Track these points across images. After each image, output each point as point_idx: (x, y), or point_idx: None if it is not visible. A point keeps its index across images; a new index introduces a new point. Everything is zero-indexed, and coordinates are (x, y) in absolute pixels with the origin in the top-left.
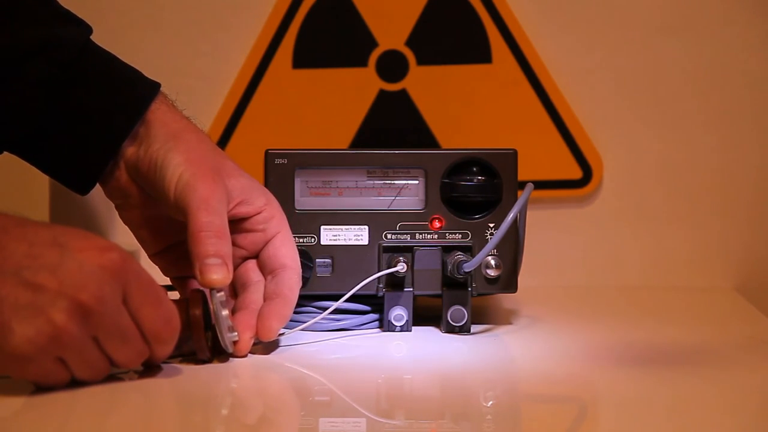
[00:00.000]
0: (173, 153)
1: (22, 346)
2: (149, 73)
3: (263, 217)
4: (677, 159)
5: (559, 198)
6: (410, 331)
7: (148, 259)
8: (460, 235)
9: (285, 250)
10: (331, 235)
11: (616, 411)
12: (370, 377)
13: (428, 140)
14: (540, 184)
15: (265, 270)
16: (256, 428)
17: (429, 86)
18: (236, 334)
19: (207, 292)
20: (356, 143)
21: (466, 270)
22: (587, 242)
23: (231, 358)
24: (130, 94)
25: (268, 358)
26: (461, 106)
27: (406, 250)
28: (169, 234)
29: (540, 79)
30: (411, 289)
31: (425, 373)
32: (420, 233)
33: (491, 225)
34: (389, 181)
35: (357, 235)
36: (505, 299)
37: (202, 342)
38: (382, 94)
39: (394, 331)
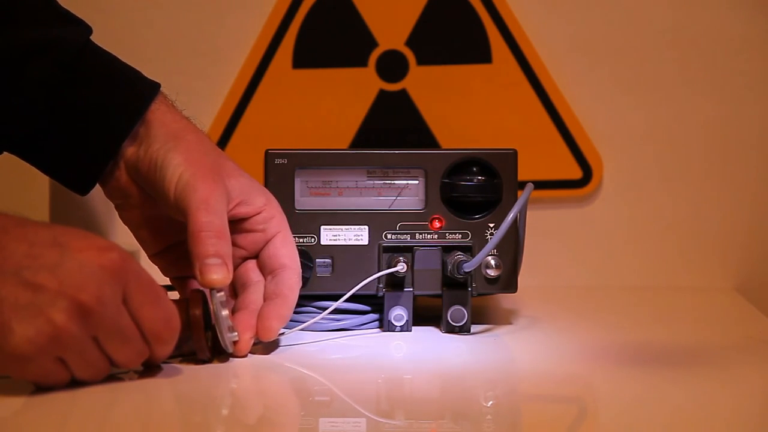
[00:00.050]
0: (173, 153)
1: (22, 346)
2: (149, 73)
3: (263, 217)
4: (677, 159)
5: (559, 198)
6: (410, 331)
7: (148, 259)
8: (460, 235)
9: (285, 250)
10: (331, 235)
11: (616, 411)
12: (370, 377)
13: (428, 140)
14: (540, 184)
15: (265, 270)
16: (256, 428)
17: (429, 86)
18: (236, 334)
19: (207, 292)
20: (356, 143)
21: (466, 270)
22: (587, 242)
23: (231, 358)
24: (130, 94)
25: (268, 358)
26: (461, 106)
27: (406, 250)
28: (169, 234)
29: (540, 79)
30: (411, 289)
31: (425, 373)
32: (420, 233)
33: (491, 225)
34: (389, 181)
35: (357, 235)
36: (505, 299)
37: (202, 342)
38: (382, 94)
39: (394, 331)
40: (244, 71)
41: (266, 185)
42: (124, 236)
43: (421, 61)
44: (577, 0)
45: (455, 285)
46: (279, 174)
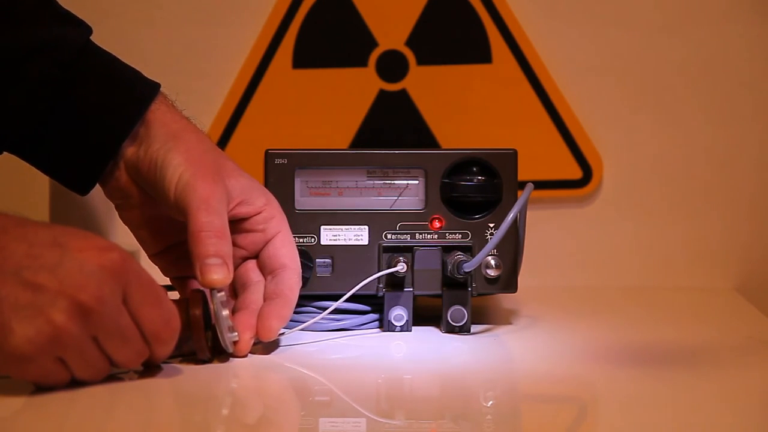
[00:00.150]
0: (173, 153)
1: (22, 346)
2: (149, 73)
3: (263, 217)
4: (677, 159)
5: (559, 198)
6: (410, 331)
7: (148, 259)
8: (460, 235)
9: (285, 250)
10: (331, 235)
11: (616, 411)
12: (370, 377)
13: (428, 140)
14: (540, 184)
15: (265, 270)
16: (256, 428)
17: (429, 86)
18: (236, 334)
19: (207, 292)
20: (356, 143)
21: (466, 270)
22: (587, 242)
23: (231, 358)
24: (130, 95)
25: (268, 358)
26: (461, 106)
27: (406, 250)
28: (169, 234)
29: (540, 79)
30: (411, 289)
31: (425, 373)
32: (420, 233)
33: (491, 225)
34: (389, 181)
35: (357, 235)
36: (505, 299)
37: (202, 342)
38: (382, 94)
39: (394, 331)
40: (244, 71)
41: (266, 185)
42: (124, 236)
43: (421, 61)
44: (577, 0)
45: (455, 285)
46: (279, 174)
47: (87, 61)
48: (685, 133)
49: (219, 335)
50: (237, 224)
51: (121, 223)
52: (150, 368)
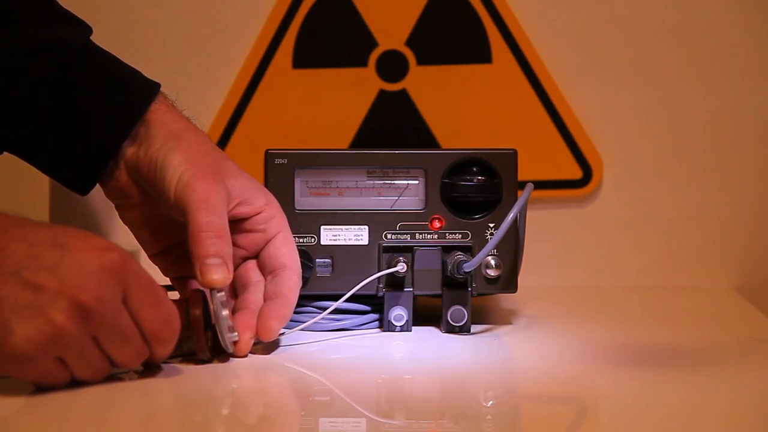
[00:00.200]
0: (173, 153)
1: (22, 346)
2: (149, 73)
3: (263, 217)
4: (677, 159)
5: (559, 198)
6: (410, 331)
7: (148, 259)
8: (460, 235)
9: (285, 250)
10: (331, 235)
11: (616, 411)
12: (370, 377)
13: (428, 140)
14: (540, 184)
15: (265, 270)
16: (256, 428)
17: (429, 86)
18: (236, 334)
19: (207, 292)
20: (356, 143)
21: (466, 270)
22: (587, 242)
23: (231, 358)
24: (130, 95)
25: (268, 358)
26: (461, 106)
27: (406, 250)
28: (169, 234)
29: (540, 79)
30: (411, 289)
31: (425, 373)
32: (420, 233)
33: (491, 225)
34: (389, 181)
35: (357, 235)
36: (505, 299)
37: (202, 342)
38: (382, 94)
39: (394, 331)
40: (244, 71)
41: (266, 185)
42: (124, 236)
43: (421, 61)
44: (577, 0)
45: (455, 285)
46: (279, 174)
47: (87, 61)
48: (685, 132)
49: (219, 335)
50: (237, 224)
51: (121, 223)
52: (150, 368)
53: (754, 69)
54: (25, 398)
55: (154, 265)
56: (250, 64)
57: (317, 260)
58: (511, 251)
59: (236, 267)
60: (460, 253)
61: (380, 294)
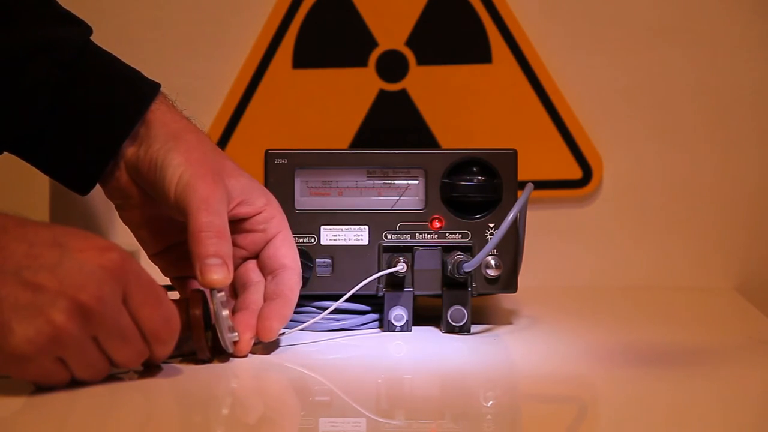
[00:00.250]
0: (173, 153)
1: (22, 346)
2: (149, 73)
3: (263, 218)
4: (677, 159)
5: (559, 198)
6: (410, 331)
7: (148, 259)
8: (460, 235)
9: (285, 250)
10: (331, 235)
11: (616, 411)
12: (370, 377)
13: (428, 140)
14: (540, 184)
15: (265, 270)
16: (256, 428)
17: (429, 86)
18: (236, 334)
19: (207, 292)
20: (356, 143)
21: (466, 270)
22: (587, 242)
23: (231, 358)
24: (131, 95)
25: (268, 358)
26: (461, 106)
27: (406, 250)
28: (170, 234)
29: (540, 79)
30: (411, 289)
31: (425, 373)
32: (420, 233)
33: (491, 225)
34: (389, 181)
35: (357, 235)
36: (505, 299)
37: (202, 342)
38: (382, 94)
39: (394, 331)
40: (244, 71)
41: (266, 185)
42: (124, 236)
43: (421, 61)
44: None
45: (455, 285)
46: (279, 174)
47: (87, 61)
48: (685, 132)
49: (219, 335)
50: (237, 224)
51: (121, 223)
52: (150, 368)
53: (754, 69)
54: (25, 398)
55: (154, 265)
56: (250, 64)
57: (317, 260)
58: (511, 251)
59: (236, 267)
60: (460, 253)
61: (380, 294)
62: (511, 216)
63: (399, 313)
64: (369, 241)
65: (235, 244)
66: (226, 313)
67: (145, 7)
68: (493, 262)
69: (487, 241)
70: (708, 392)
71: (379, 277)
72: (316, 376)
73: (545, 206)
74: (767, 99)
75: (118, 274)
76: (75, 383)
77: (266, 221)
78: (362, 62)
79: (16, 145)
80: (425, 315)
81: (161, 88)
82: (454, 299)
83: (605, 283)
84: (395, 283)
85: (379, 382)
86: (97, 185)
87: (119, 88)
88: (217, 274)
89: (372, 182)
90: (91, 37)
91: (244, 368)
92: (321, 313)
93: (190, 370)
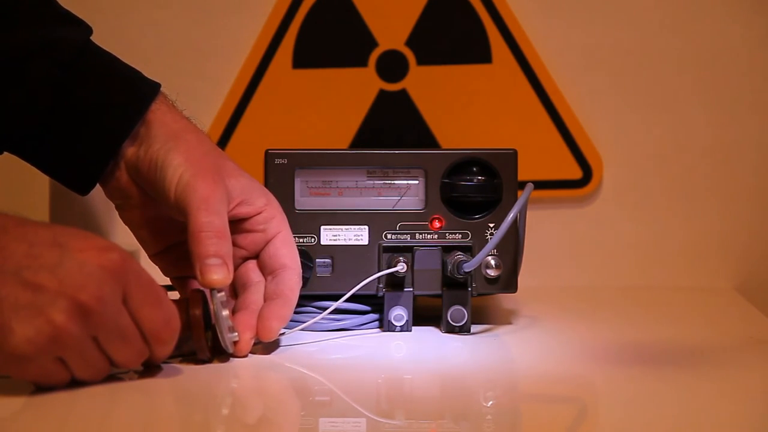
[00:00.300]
0: (173, 153)
1: (21, 346)
2: (149, 73)
3: (263, 218)
4: (677, 158)
5: (559, 198)
6: (410, 331)
7: (148, 259)
8: (460, 235)
9: (285, 250)
10: (331, 235)
11: (616, 411)
12: (370, 377)
13: (428, 140)
14: (540, 184)
15: (265, 270)
16: (256, 428)
17: (429, 86)
18: (236, 334)
19: (207, 292)
20: (356, 143)
21: (466, 270)
22: (587, 242)
23: (231, 358)
24: (131, 95)
25: (268, 358)
26: (461, 106)
27: (406, 250)
28: (170, 234)
29: (540, 79)
30: (411, 289)
31: (425, 373)
32: (420, 233)
33: (491, 225)
34: (389, 181)
35: (357, 235)
36: (505, 299)
37: (202, 342)
38: (382, 94)
39: (394, 331)
40: (244, 71)
41: (266, 185)
42: (124, 236)
43: (421, 61)
44: (577, 0)
45: (455, 285)
46: (279, 174)
47: (87, 61)
48: (685, 132)
49: (219, 335)
50: (237, 224)
51: (121, 223)
52: (150, 368)
53: (754, 68)
54: (25, 398)
55: (154, 265)
56: (250, 64)
57: (317, 260)
58: (511, 251)
59: (236, 267)
60: (460, 253)
61: (380, 294)
62: (511, 216)
63: (399, 313)
64: (369, 241)
65: (235, 244)
66: (226, 313)
67: (144, 7)
68: (493, 262)
69: (487, 241)
70: (708, 392)
71: (379, 277)
72: (316, 376)
73: (545, 206)
74: (767, 99)
75: (118, 274)
76: (75, 383)
77: (266, 221)
78: (362, 62)
79: (16, 145)
80: (425, 315)
81: (161, 88)
82: (454, 299)
83: (605, 282)
84: (395, 283)
85: (379, 382)
86: (97, 185)
87: (119, 88)
88: (217, 274)
89: (372, 182)
90: (91, 37)
91: (244, 368)
92: (321, 313)
93: (190, 370)
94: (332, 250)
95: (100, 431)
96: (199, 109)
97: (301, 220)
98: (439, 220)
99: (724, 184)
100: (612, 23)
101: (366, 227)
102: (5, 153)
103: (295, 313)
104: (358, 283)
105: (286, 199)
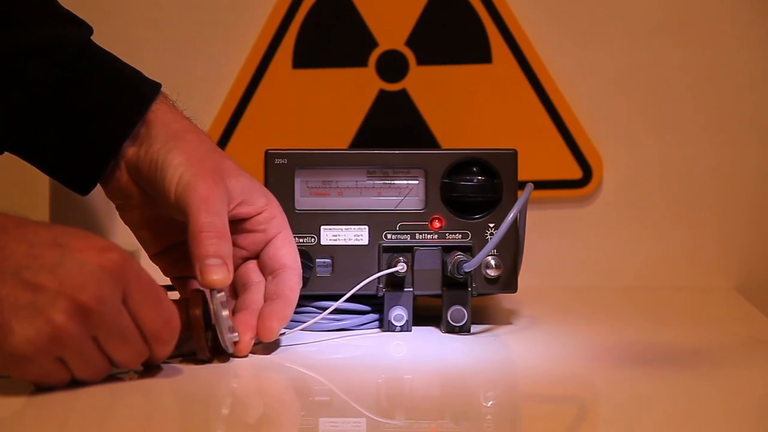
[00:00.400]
0: (174, 153)
1: (21, 346)
2: (149, 73)
3: (264, 218)
4: (677, 159)
5: (559, 198)
6: (410, 331)
7: (148, 259)
8: (460, 235)
9: (285, 250)
10: (331, 235)
11: (616, 411)
12: (370, 377)
13: (428, 140)
14: (540, 184)
15: (265, 270)
16: (256, 428)
17: (429, 86)
18: (237, 334)
19: (207, 292)
20: (356, 143)
21: (466, 270)
22: (587, 242)
23: (231, 358)
24: (131, 95)
25: (268, 358)
26: (461, 106)
27: (406, 250)
28: (170, 234)
29: (540, 79)
30: (411, 289)
31: (425, 373)
32: (420, 233)
33: (491, 225)
34: (389, 181)
35: (357, 235)
36: (505, 299)
37: (202, 342)
38: (382, 94)
39: (394, 331)
40: (244, 71)
41: (266, 185)
42: (124, 236)
43: (421, 61)
44: (577, 0)
45: (455, 285)
46: (279, 174)
47: (87, 61)
48: (685, 132)
49: (219, 335)
50: (237, 224)
51: (121, 223)
52: (150, 368)
53: (754, 68)
54: (25, 398)
55: (154, 265)
56: (250, 64)
57: (317, 260)
58: (511, 251)
59: (237, 267)
60: (460, 253)
61: (380, 294)
62: (511, 216)
63: (399, 313)
64: (369, 241)
65: (235, 245)
66: (226, 313)
67: (145, 7)
68: (493, 262)
69: (487, 241)
70: (708, 392)
71: (379, 277)
72: (316, 376)
73: (545, 206)
74: (767, 99)
75: (118, 274)
76: (75, 383)
77: (266, 221)
78: (362, 62)
79: (17, 145)
80: (425, 315)
81: (162, 88)
82: (454, 299)
83: (605, 283)
84: (395, 283)
85: (379, 382)
86: (98, 185)
87: (120, 88)
88: (217, 274)
89: (372, 182)
90: (91, 37)
91: (244, 368)
92: (321, 313)
93: (190, 370)
94: (332, 250)
95: (100, 431)
96: (199, 109)
97: (301, 220)
98: (439, 220)
99: (724, 184)
100: (612, 24)
101: (366, 227)
102: (5, 153)
103: (295, 313)
104: (358, 283)
105: (286, 199)
